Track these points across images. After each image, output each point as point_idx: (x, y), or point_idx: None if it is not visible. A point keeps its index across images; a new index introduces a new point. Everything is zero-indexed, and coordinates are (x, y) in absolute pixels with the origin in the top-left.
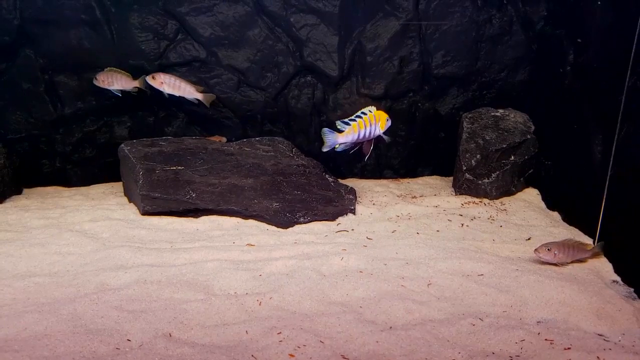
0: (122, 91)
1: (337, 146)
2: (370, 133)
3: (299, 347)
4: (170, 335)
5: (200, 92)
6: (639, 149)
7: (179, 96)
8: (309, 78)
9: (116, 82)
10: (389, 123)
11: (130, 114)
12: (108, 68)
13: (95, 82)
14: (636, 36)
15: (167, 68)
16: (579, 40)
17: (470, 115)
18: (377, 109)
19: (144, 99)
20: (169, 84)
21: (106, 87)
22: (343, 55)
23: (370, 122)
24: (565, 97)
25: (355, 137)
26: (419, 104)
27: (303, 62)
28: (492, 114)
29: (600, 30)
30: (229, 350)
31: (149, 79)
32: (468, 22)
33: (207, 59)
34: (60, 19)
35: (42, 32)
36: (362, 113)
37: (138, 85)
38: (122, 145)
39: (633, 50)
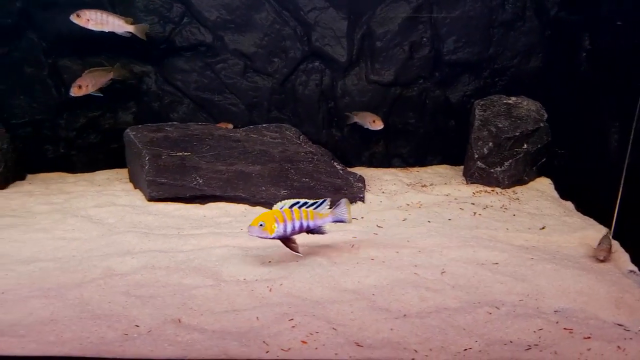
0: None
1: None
2: (295, 228)
3: (311, 333)
4: (180, 321)
5: (131, 24)
6: None
7: (109, 32)
8: (317, 63)
9: (98, 81)
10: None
11: (135, 99)
12: (88, 70)
13: (77, 92)
14: None
15: (172, 52)
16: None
17: (482, 102)
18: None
19: (149, 85)
20: (95, 20)
21: (89, 92)
22: (352, 40)
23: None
24: (581, 84)
25: (282, 230)
26: (430, 91)
27: (311, 47)
28: (505, 101)
29: (618, 17)
30: (240, 336)
31: (73, 18)
32: (480, 7)
33: (213, 43)
34: (63, 1)
35: (45, 15)
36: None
37: (113, 77)
38: (128, 130)
39: None
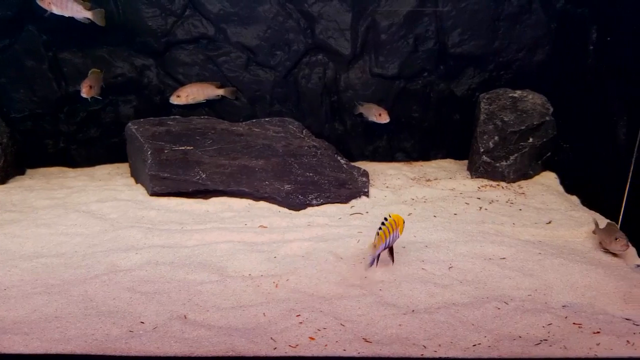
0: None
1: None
2: (393, 239)
3: (319, 330)
4: (186, 317)
5: (88, 9)
6: None
7: (69, 17)
8: (320, 56)
9: (99, 83)
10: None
11: (136, 93)
12: (91, 71)
13: (89, 93)
14: None
15: (174, 45)
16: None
17: (487, 96)
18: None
19: (150, 78)
20: (56, 4)
21: (93, 94)
22: (356, 33)
23: (392, 228)
24: (587, 77)
25: (385, 245)
26: (434, 85)
27: (314, 40)
28: (510, 94)
29: (628, 9)
30: (247, 333)
31: (38, 1)
32: (486, 0)
33: (215, 36)
34: None
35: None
36: (383, 221)
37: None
38: (130, 124)
39: None
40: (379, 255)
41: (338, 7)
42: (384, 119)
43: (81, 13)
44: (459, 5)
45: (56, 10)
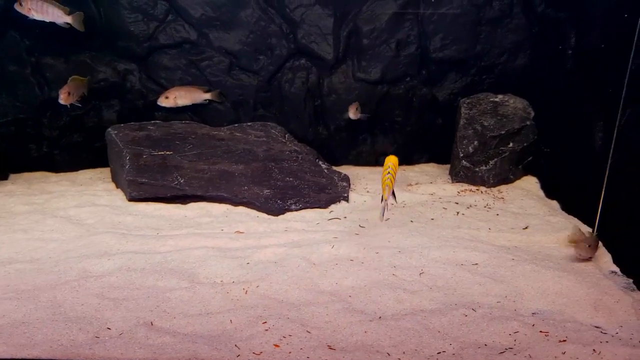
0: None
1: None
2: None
3: (284, 337)
4: (152, 324)
5: (67, 13)
6: None
7: (50, 22)
8: (303, 61)
9: (80, 90)
10: None
11: (119, 97)
12: (71, 78)
13: (67, 100)
14: None
15: (156, 50)
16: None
17: (468, 100)
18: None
19: (133, 82)
20: (36, 10)
21: (72, 101)
22: (338, 38)
23: (394, 174)
24: (566, 81)
25: (391, 191)
26: (417, 89)
27: (297, 45)
28: (491, 99)
29: (603, 13)
30: (211, 340)
31: (17, 6)
32: (468, 5)
33: (197, 40)
34: None
35: None
36: (389, 172)
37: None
38: (109, 129)
39: (637, 33)
40: (387, 203)
41: (320, 12)
42: (352, 113)
43: (62, 18)
44: (440, 10)
45: (36, 16)
